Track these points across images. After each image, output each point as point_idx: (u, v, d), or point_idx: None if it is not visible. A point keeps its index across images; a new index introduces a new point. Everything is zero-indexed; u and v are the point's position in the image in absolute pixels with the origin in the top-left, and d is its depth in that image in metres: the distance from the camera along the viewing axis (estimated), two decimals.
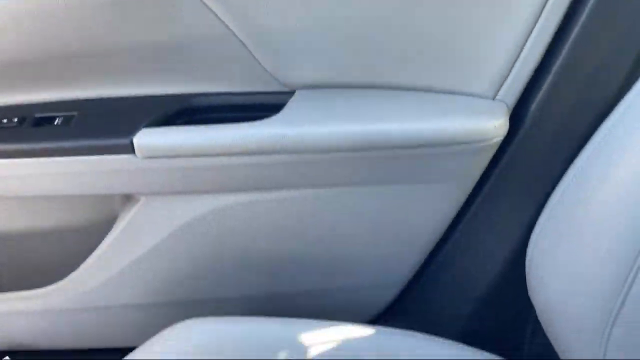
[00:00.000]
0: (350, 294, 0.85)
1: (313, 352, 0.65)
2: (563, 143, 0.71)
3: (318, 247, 0.80)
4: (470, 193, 0.77)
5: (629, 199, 0.53)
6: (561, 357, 0.66)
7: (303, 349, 0.64)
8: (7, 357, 0.85)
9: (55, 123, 0.73)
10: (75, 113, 0.73)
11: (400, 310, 0.87)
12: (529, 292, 0.68)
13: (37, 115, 0.74)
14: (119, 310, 0.81)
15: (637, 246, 0.51)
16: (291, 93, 0.74)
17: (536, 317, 0.81)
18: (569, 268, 0.61)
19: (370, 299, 0.85)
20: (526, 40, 0.69)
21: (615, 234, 0.54)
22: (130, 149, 0.69)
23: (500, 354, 0.69)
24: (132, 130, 0.69)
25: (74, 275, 0.78)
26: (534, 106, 0.72)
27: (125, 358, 0.62)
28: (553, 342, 0.68)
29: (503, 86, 0.72)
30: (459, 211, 0.79)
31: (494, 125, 0.70)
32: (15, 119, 0.73)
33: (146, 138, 0.69)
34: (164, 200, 0.74)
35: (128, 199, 0.76)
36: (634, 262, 0.51)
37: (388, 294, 0.85)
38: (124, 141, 0.69)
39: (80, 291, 0.79)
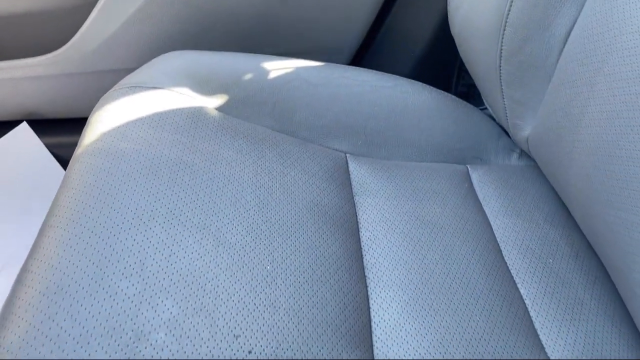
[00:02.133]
0: (313, 57, 0.99)
1: (274, 74, 0.79)
2: None
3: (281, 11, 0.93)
4: None
5: None
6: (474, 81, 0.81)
7: (265, 72, 0.79)
8: (24, 122, 1.00)
9: None
10: None
11: None
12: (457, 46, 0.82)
13: None
14: (114, 75, 0.95)
15: None
16: None
17: (460, 66, 0.96)
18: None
19: (329, 61, 0.99)
20: None
21: None
22: None
23: None
24: None
25: (72, 41, 0.91)
26: None
27: (123, 80, 0.76)
28: (474, 78, 0.83)
29: None
30: None
31: None
32: None
33: None
34: None
35: None
36: None
37: (342, 58, 0.99)
38: None
39: (79, 56, 0.92)
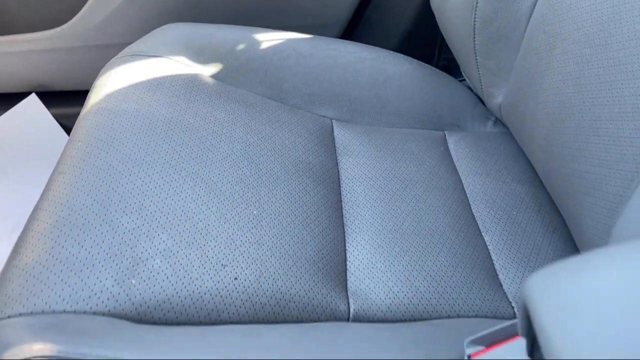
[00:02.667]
0: (305, 31, 1.05)
1: (265, 45, 0.85)
2: None
3: None
4: None
5: None
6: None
7: (257, 43, 0.85)
8: (33, 94, 1.07)
9: None
10: None
11: None
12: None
13: None
14: (117, 48, 1.01)
15: None
16: None
17: (442, 41, 1.02)
18: None
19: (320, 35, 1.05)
20: None
21: None
22: None
23: None
24: None
25: (77, 16, 0.97)
26: None
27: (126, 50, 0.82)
28: (452, 50, 0.89)
29: None
30: None
31: None
32: None
33: None
34: None
35: None
36: None
37: (333, 32, 1.05)
38: None
39: (84, 30, 0.99)
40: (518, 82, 0.76)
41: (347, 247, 0.64)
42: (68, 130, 1.08)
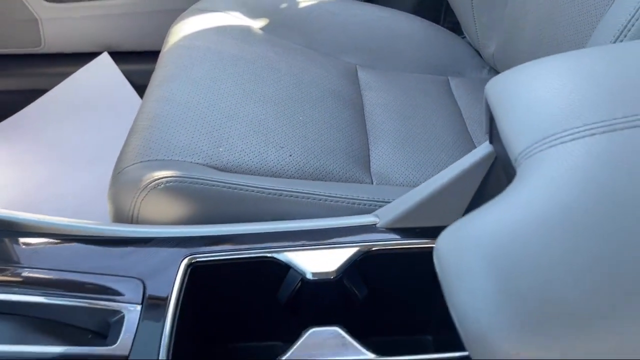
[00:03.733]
0: None
1: (302, 5, 1.06)
2: None
3: None
4: None
5: None
6: None
7: (297, 3, 1.06)
8: (105, 52, 1.28)
9: None
10: None
11: None
12: None
13: None
14: (176, 13, 1.22)
15: None
16: None
17: (447, 6, 1.21)
18: None
19: None
20: None
21: None
22: None
23: None
24: None
25: None
26: None
27: None
28: (454, 9, 1.09)
29: None
30: None
31: None
32: None
33: None
34: None
35: None
36: None
37: None
38: None
39: None
40: (506, 31, 0.96)
41: (370, 146, 0.84)
42: (134, 84, 1.29)
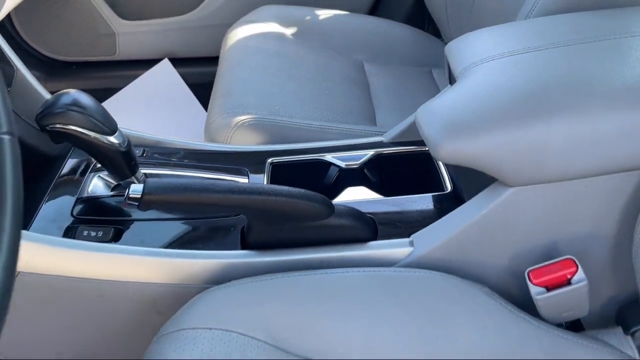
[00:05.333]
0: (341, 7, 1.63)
1: (321, 19, 1.43)
2: None
3: None
4: None
5: None
6: None
7: (317, 18, 1.43)
8: (166, 59, 1.64)
9: None
10: None
11: None
12: None
13: None
14: (227, 26, 1.59)
15: None
16: None
17: (429, 15, 1.58)
18: None
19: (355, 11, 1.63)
20: None
21: None
22: None
23: None
24: None
25: (201, 6, 1.56)
26: None
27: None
28: (433, 16, 1.46)
29: None
30: None
31: None
32: None
33: None
34: None
35: None
36: None
37: (363, 9, 1.64)
38: None
39: (206, 13, 1.57)
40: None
41: (374, 110, 1.20)
42: (188, 84, 1.65)
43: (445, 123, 0.67)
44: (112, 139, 0.76)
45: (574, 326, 0.75)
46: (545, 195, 0.67)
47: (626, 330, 0.72)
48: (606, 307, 0.76)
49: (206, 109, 1.21)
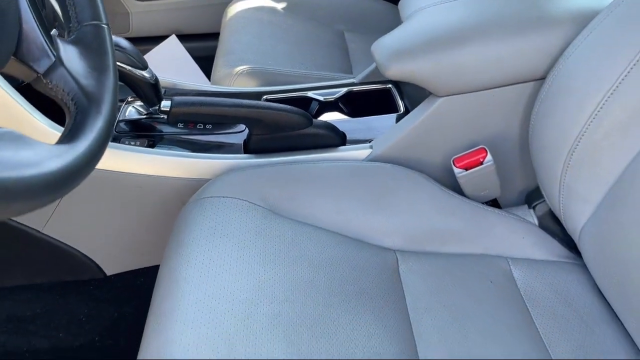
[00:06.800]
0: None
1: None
2: None
3: None
4: None
5: None
6: None
7: None
8: (173, 35, 1.89)
9: None
10: None
11: None
12: None
13: None
14: (225, 4, 1.83)
15: None
16: None
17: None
18: None
19: None
20: None
21: None
22: None
23: None
24: None
25: None
26: None
27: None
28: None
29: None
30: None
31: None
32: None
33: None
34: None
35: None
36: None
37: None
38: None
39: None
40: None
41: (352, 66, 1.45)
42: (194, 57, 1.89)
43: (392, 50, 0.92)
44: (145, 73, 1.00)
45: (494, 206, 1.00)
46: (465, 102, 0.92)
47: (529, 205, 0.97)
48: (519, 195, 1.01)
49: (209, 79, 1.45)
